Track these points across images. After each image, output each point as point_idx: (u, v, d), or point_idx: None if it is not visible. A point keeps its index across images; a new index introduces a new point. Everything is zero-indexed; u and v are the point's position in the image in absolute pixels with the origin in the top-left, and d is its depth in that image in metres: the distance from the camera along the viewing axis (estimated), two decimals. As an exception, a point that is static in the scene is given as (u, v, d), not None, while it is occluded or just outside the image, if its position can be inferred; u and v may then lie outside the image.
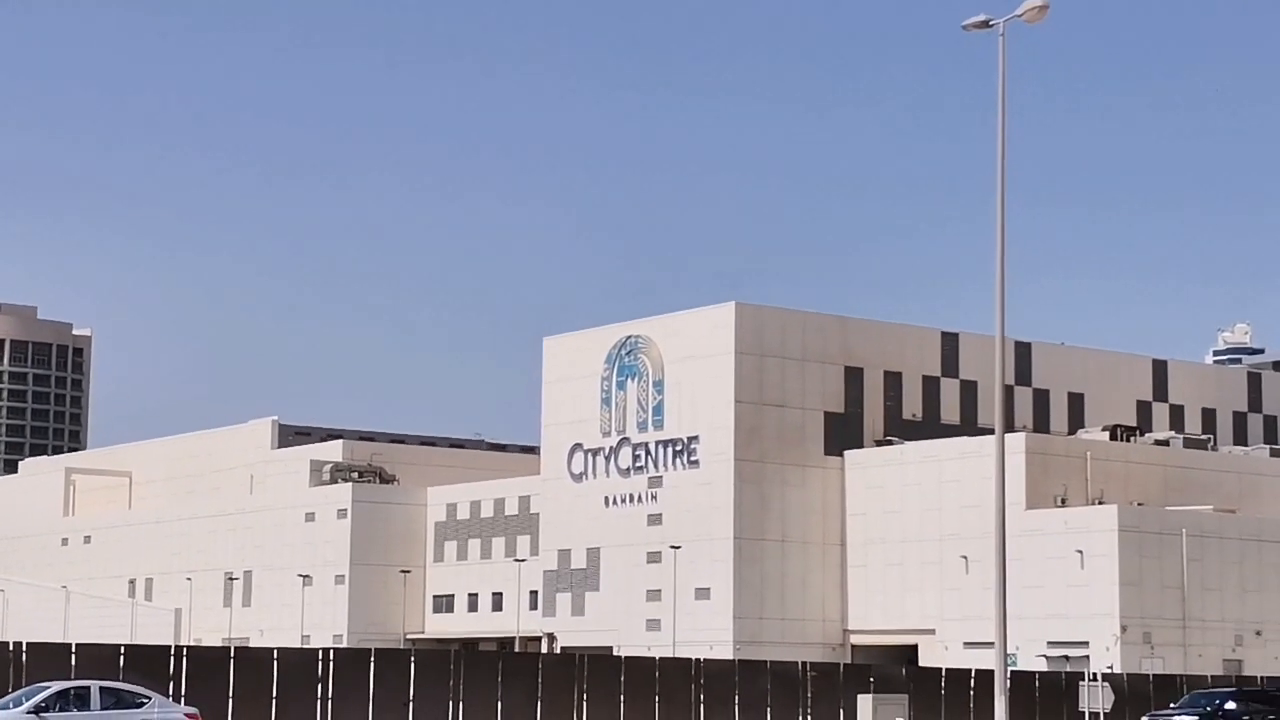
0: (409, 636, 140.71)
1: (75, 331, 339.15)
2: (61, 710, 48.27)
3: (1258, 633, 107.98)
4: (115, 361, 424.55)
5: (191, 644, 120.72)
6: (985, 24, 53.48)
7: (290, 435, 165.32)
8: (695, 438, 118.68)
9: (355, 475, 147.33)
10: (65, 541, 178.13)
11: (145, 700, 49.78)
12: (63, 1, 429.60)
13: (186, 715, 50.96)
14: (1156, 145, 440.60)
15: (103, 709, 48.68)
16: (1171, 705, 74.25)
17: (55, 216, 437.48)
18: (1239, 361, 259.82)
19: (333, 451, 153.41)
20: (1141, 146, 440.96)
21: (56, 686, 49.60)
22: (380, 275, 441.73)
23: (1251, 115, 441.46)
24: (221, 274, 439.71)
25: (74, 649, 59.42)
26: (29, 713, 47.90)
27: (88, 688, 49.59)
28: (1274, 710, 69.68)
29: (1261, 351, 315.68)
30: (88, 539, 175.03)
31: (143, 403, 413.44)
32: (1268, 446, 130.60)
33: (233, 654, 63.18)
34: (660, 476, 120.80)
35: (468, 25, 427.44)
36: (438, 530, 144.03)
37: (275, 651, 63.73)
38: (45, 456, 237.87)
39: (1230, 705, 69.64)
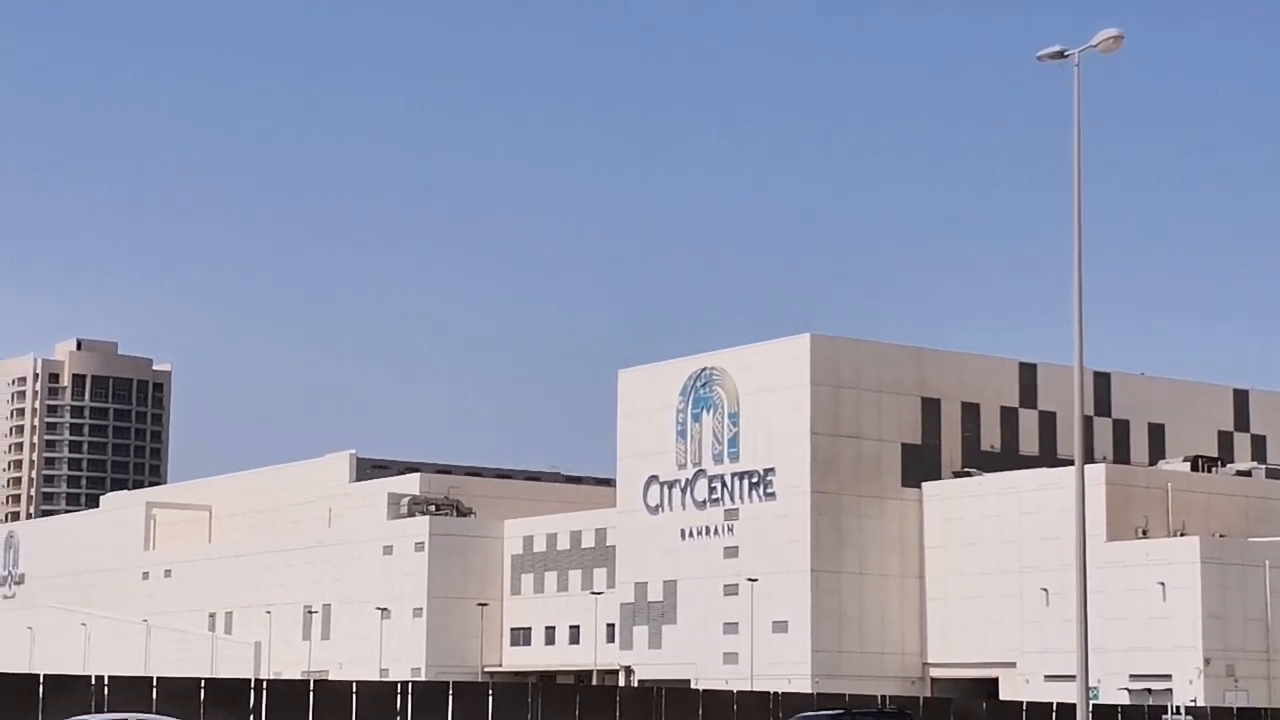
0: (486, 669, 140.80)
1: (155, 367, 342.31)
2: None
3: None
4: (195, 396, 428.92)
5: (271, 677, 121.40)
6: (1060, 55, 53.27)
7: (368, 468, 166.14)
8: (771, 470, 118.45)
9: (432, 508, 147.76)
10: (146, 575, 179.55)
11: None
12: (145, 60, 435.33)
13: None
14: (1236, 174, 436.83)
15: None
16: None
17: (135, 254, 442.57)
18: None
19: (410, 485, 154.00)
20: (1221, 175, 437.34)
21: (97, 719, 50.50)
22: (457, 309, 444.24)
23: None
24: (299, 309, 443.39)
25: (155, 682, 59.93)
26: None
27: (125, 718, 50.40)
28: None
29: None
30: (168, 573, 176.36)
31: (222, 437, 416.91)
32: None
33: (312, 687, 63.54)
34: (736, 509, 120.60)
35: (540, 62, 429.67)
36: (514, 563, 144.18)
37: (354, 684, 64.07)
38: (126, 491, 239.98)
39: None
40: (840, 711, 62.12)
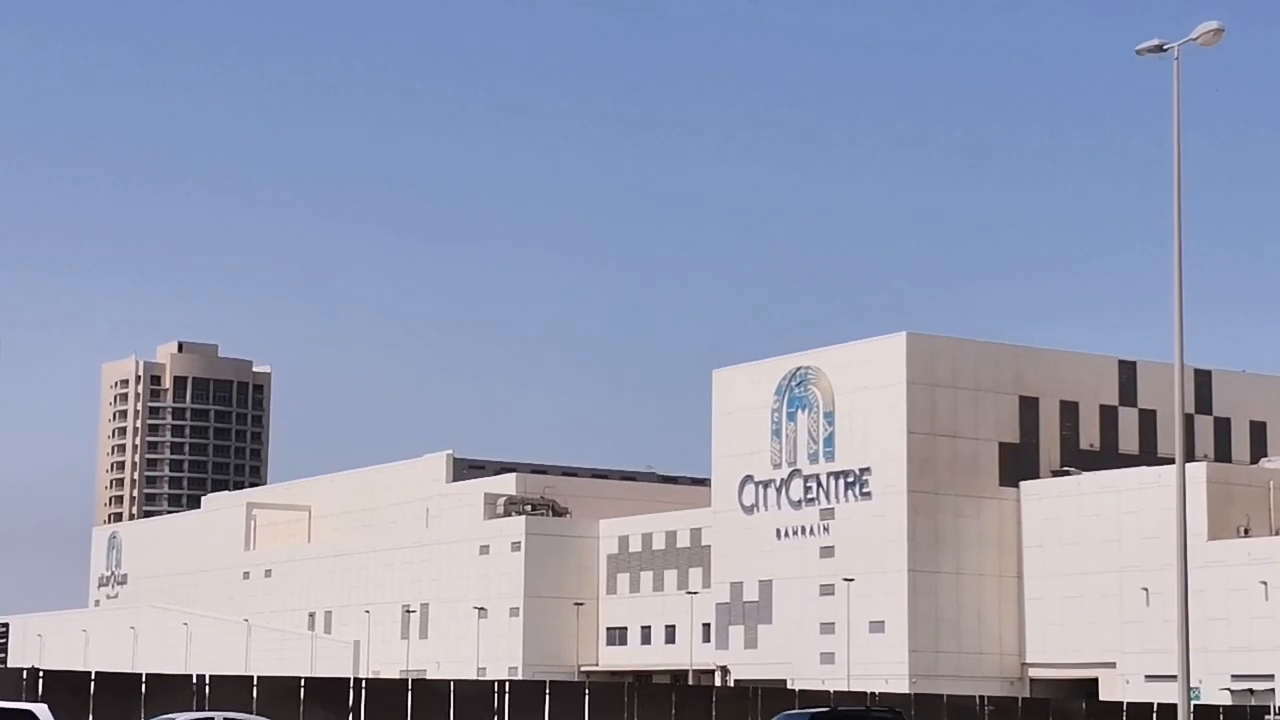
0: (583, 668, 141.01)
1: (255, 369, 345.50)
2: None
3: None
4: (294, 398, 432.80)
5: (370, 676, 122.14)
6: (1160, 48, 52.65)
7: (465, 469, 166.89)
8: (867, 469, 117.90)
9: (528, 508, 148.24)
10: (246, 575, 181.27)
11: None
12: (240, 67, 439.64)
13: None
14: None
15: None
16: None
17: (236, 256, 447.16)
18: None
19: (506, 485, 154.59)
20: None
21: (183, 717, 50.43)
22: (552, 309, 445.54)
23: None
24: (397, 310, 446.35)
25: (255, 681, 60.44)
26: None
27: (212, 718, 50.60)
28: None
29: None
30: (268, 573, 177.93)
31: (321, 438, 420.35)
32: None
33: (410, 686, 63.85)
34: (832, 508, 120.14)
35: (615, 61, 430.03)
36: (610, 562, 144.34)
37: (451, 683, 64.37)
38: (227, 492, 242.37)
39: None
40: (825, 710, 61.38)
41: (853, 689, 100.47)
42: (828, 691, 79.09)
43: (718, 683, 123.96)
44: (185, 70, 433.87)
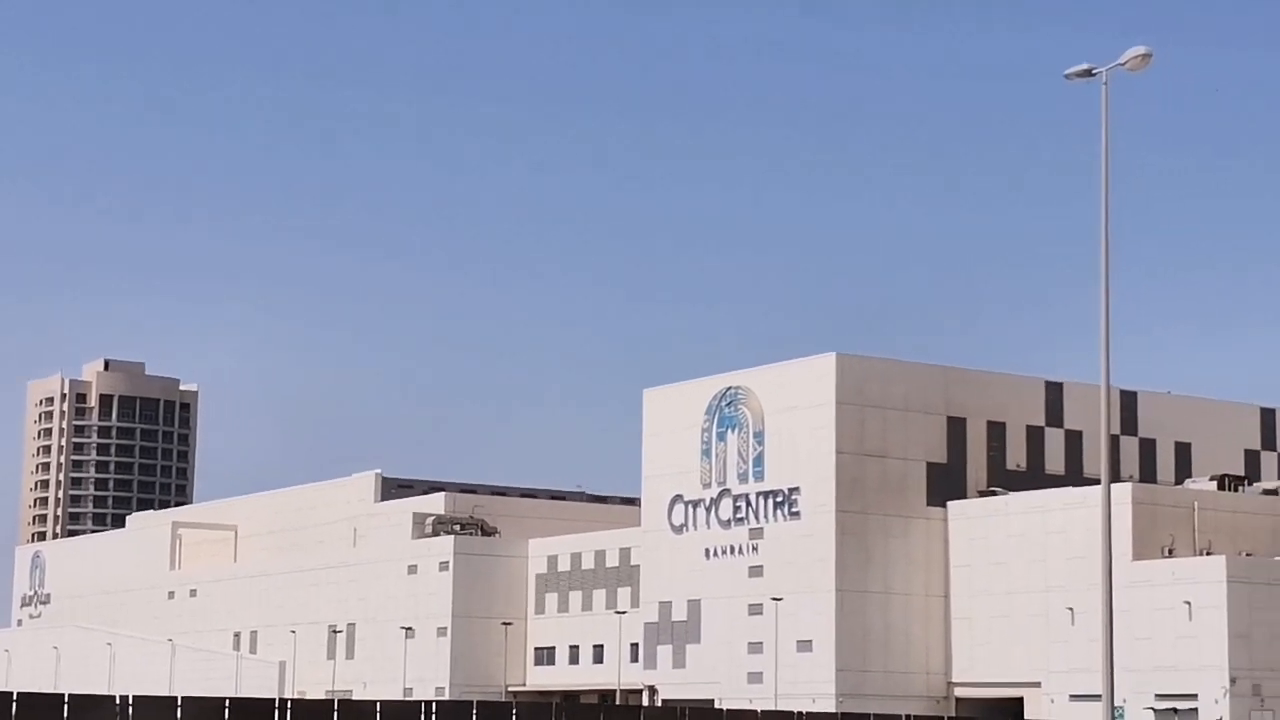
0: (510, 688, 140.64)
1: (182, 387, 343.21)
2: None
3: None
4: (221, 416, 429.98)
5: (295, 697, 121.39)
6: (1088, 73, 53.22)
7: (393, 488, 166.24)
8: (796, 489, 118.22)
9: (457, 528, 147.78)
10: (171, 595, 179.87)
11: None
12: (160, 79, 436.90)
13: None
14: (1263, 190, 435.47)
15: None
16: None
17: (162, 275, 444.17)
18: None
19: (435, 504, 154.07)
20: (1247, 192, 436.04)
21: None
22: (482, 328, 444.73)
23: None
24: (324, 329, 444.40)
25: (180, 702, 59.89)
26: None
27: None
28: None
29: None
30: (193, 592, 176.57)
31: (248, 457, 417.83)
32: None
33: (336, 706, 63.46)
34: (761, 528, 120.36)
35: (562, 77, 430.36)
36: (539, 582, 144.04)
37: (378, 704, 63.96)
38: (152, 511, 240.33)
39: None
40: None
41: (780, 708, 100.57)
42: (755, 711, 79.18)
43: (645, 702, 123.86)
44: (108, 86, 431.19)
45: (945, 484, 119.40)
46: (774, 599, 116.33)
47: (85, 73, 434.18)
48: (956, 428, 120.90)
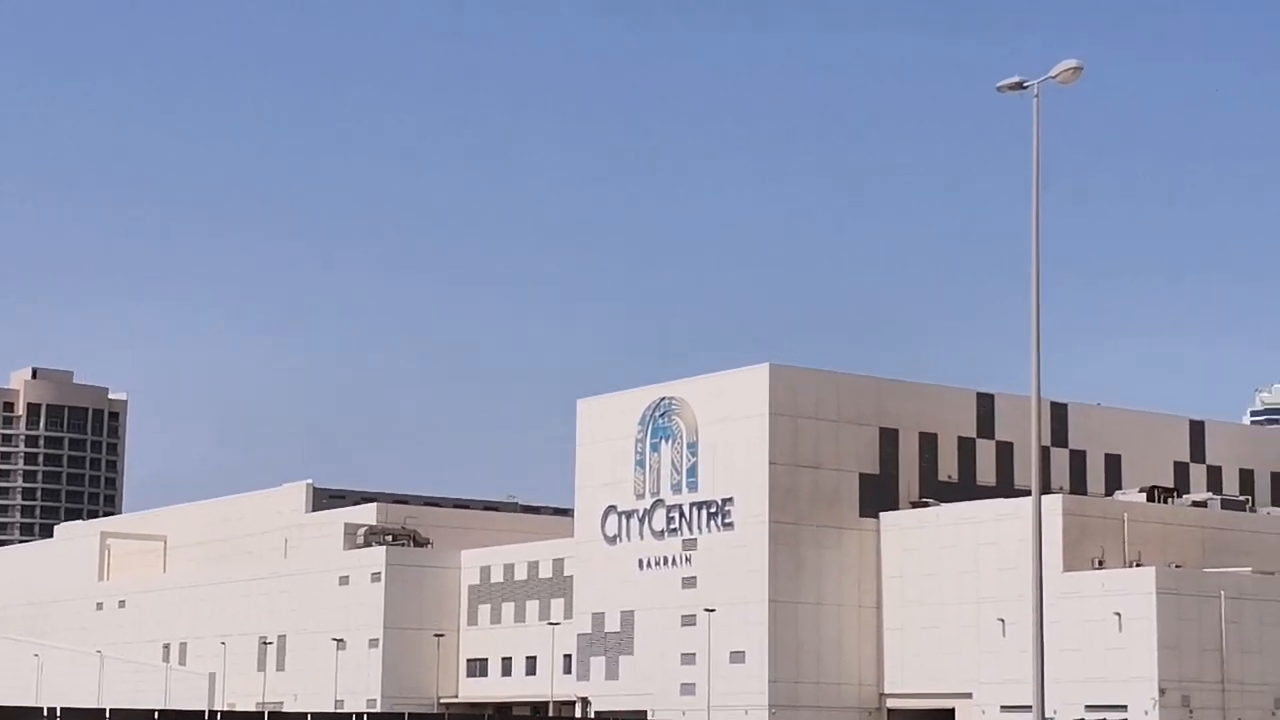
0: (442, 700, 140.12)
1: (111, 396, 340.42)
2: None
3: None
4: (150, 425, 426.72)
5: (225, 709, 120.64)
6: (1020, 85, 53.50)
7: (324, 499, 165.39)
8: (729, 500, 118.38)
9: (389, 539, 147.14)
10: (100, 606, 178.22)
11: None
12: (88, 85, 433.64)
13: None
14: (1193, 206, 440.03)
15: None
16: None
17: (91, 283, 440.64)
18: (1276, 422, 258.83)
19: (366, 515, 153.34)
20: (1178, 207, 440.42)
21: None
22: (414, 338, 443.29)
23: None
24: (256, 339, 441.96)
25: (108, 714, 59.44)
26: None
27: None
28: None
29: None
30: (122, 603, 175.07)
31: (178, 467, 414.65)
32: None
33: (266, 718, 63.08)
34: (694, 539, 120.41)
35: (515, 84, 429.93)
36: (471, 593, 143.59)
37: (309, 716, 63.63)
38: (80, 521, 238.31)
39: None
40: None
41: (715, 718, 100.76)
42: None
43: (578, 713, 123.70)
44: (33, 89, 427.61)
45: (877, 495, 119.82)
46: (707, 610, 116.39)
47: (6, 77, 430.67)
48: (889, 439, 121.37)
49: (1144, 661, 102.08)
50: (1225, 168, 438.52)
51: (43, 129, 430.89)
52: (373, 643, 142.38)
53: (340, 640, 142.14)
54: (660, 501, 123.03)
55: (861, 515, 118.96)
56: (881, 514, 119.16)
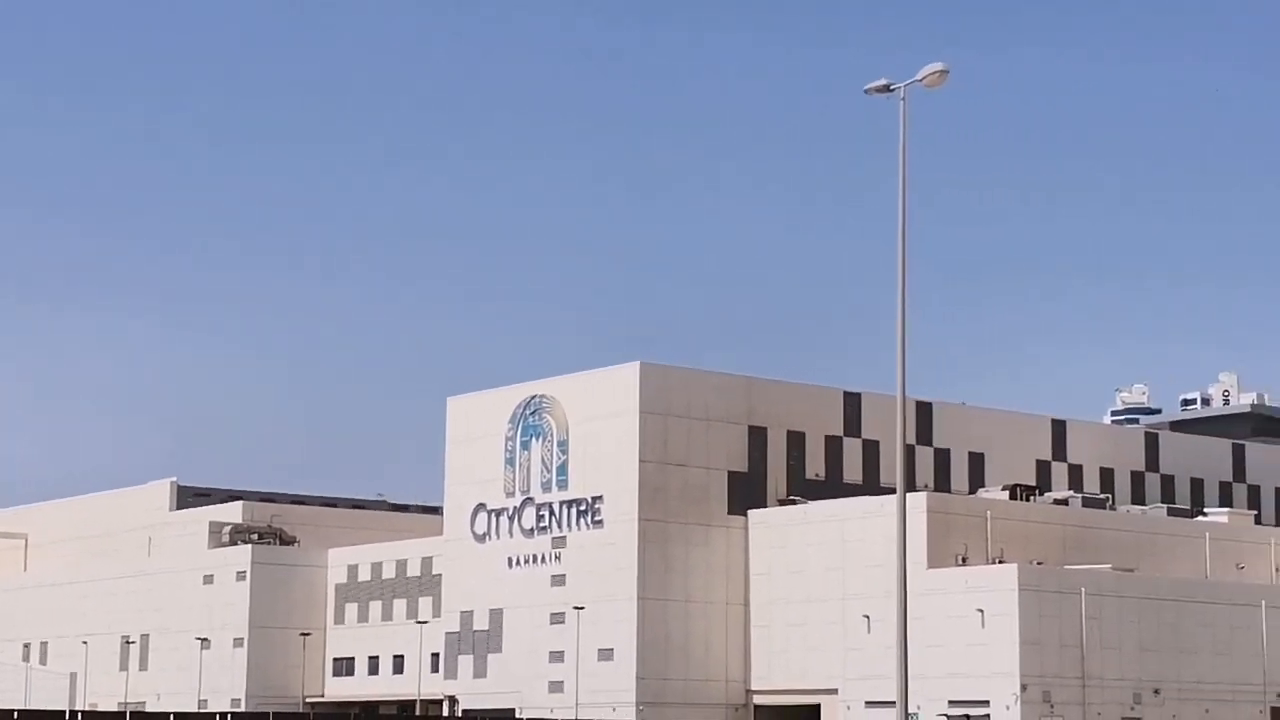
0: (308, 700, 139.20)
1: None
2: None
3: (1156, 691, 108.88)
4: (10, 421, 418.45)
5: (87, 709, 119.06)
6: (887, 88, 54.19)
7: (189, 497, 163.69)
8: (599, 498, 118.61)
9: (255, 537, 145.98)
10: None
11: None
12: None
13: None
14: (1059, 208, 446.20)
15: None
16: None
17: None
18: (1136, 421, 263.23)
19: (232, 513, 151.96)
20: (1044, 209, 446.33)
21: None
22: (281, 333, 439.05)
23: (1146, 179, 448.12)
24: (119, 333, 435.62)
25: (-34, 714, 58.44)
26: None
27: None
28: None
29: (1158, 411, 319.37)
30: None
31: (38, 463, 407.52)
32: (1165, 506, 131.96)
33: (129, 718, 62.43)
34: (564, 537, 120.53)
35: (382, 78, 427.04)
36: (338, 592, 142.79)
37: (172, 716, 63.05)
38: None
39: None
40: None
41: (582, 717, 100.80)
42: (557, 720, 79.36)
43: (446, 712, 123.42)
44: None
45: (746, 493, 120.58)
46: (576, 608, 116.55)
47: None
48: (757, 437, 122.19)
49: (1006, 657, 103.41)
50: (1094, 169, 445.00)
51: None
52: (237, 642, 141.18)
53: (204, 639, 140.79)
54: (530, 499, 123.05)
55: (730, 513, 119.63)
56: (750, 512, 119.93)
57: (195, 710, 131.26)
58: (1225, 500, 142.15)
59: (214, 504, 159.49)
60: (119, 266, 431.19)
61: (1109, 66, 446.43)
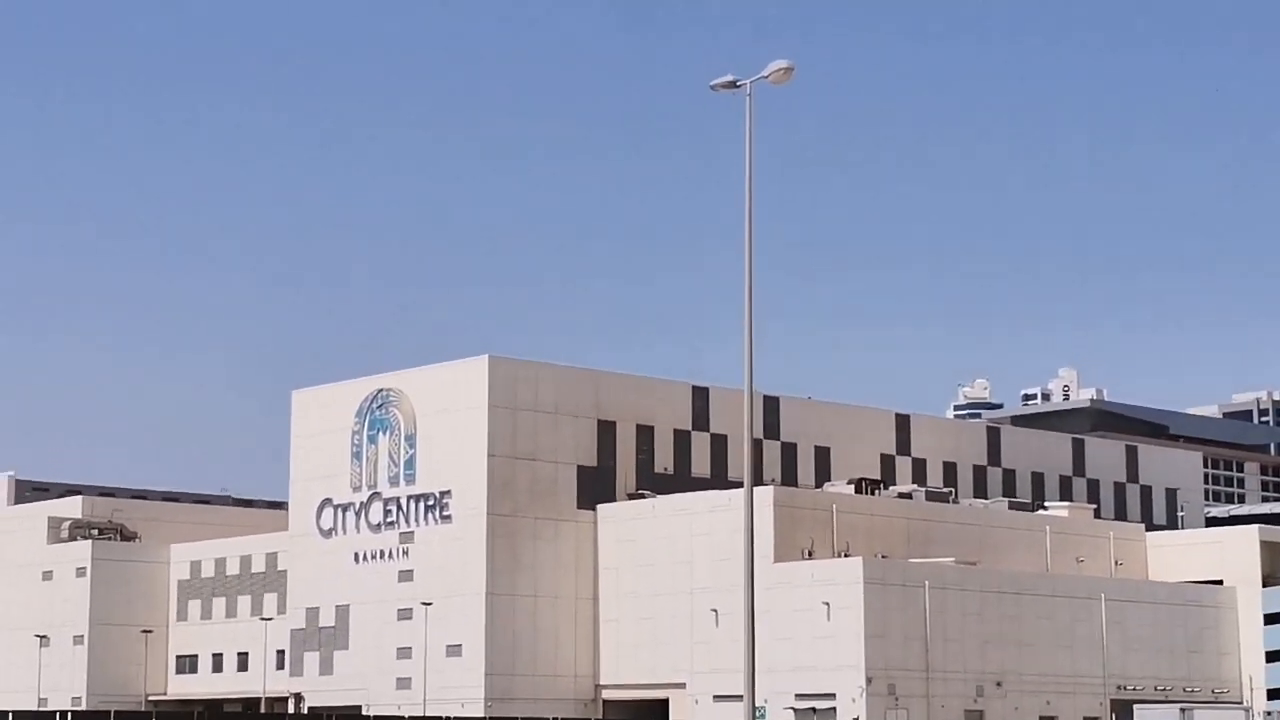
0: (151, 698, 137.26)
1: None
2: None
3: (998, 684, 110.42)
4: None
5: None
6: (733, 84, 54.24)
7: (27, 491, 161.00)
8: (448, 492, 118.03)
9: (95, 532, 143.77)
10: None
11: None
12: None
13: None
14: (898, 203, 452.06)
15: None
16: None
17: None
18: (979, 416, 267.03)
19: (72, 508, 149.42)
20: (885, 204, 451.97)
21: None
22: (124, 325, 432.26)
23: (986, 175, 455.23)
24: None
25: None
26: None
27: None
28: None
29: (1000, 406, 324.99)
30: None
31: None
32: (1006, 500, 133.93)
33: (-37, 719, 61.06)
34: (412, 532, 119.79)
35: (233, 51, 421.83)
36: (181, 588, 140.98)
37: (10, 715, 61.73)
38: None
39: None
40: None
41: (429, 714, 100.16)
42: (403, 718, 78.81)
43: (291, 710, 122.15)
44: None
45: (595, 487, 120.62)
46: (424, 604, 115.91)
47: None
48: (606, 431, 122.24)
49: (851, 650, 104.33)
50: (936, 164, 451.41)
51: None
52: (78, 639, 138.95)
53: (44, 637, 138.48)
54: (377, 494, 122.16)
55: (579, 507, 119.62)
56: (599, 506, 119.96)
57: (34, 709, 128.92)
58: (1065, 494, 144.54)
59: (53, 498, 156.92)
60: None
61: (952, 59, 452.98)
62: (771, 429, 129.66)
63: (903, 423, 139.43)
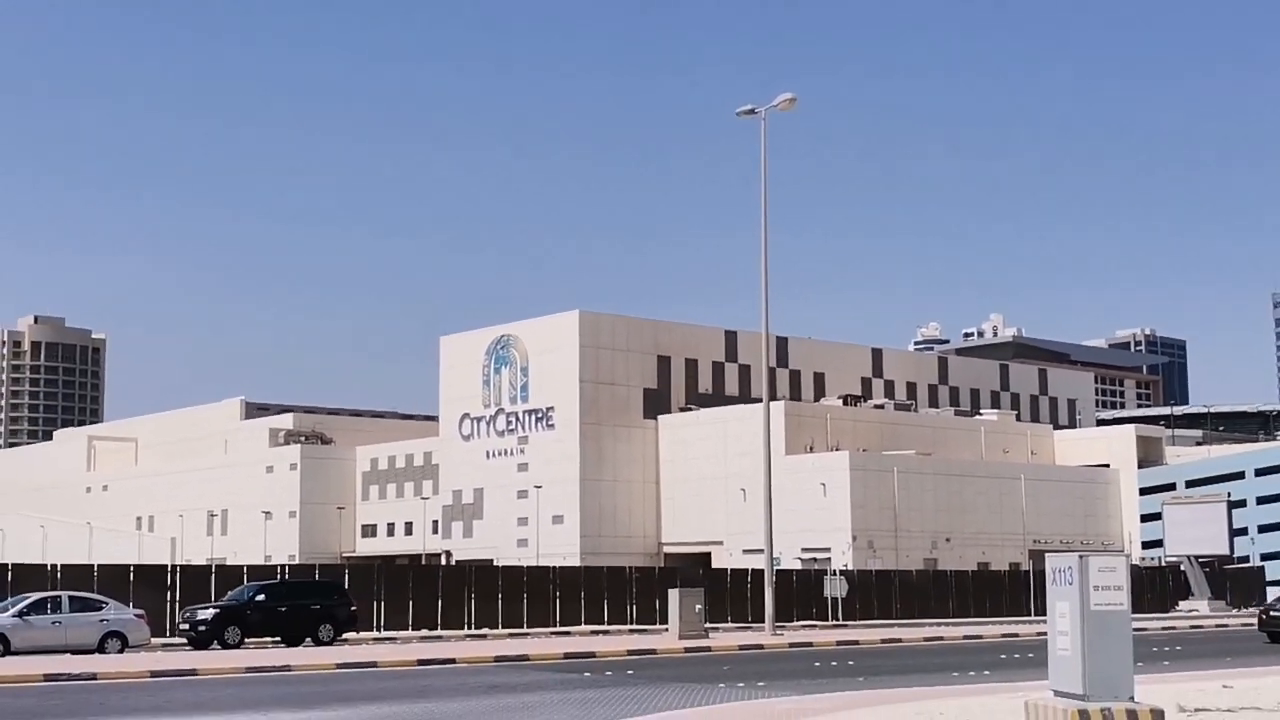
0: (344, 555, 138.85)
1: (94, 335, 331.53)
2: (39, 613, 44.66)
3: (947, 539, 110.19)
4: (125, 355, 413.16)
5: (183, 564, 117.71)
6: (752, 111, 53.99)
7: (254, 409, 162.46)
8: (551, 408, 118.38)
9: (302, 439, 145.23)
10: (89, 490, 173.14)
11: (104, 605, 46.35)
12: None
13: (136, 615, 47.05)
14: (879, 197, 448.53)
15: (71, 611, 45.14)
16: None
17: (79, 243, 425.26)
18: (931, 349, 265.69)
19: (286, 421, 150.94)
20: (870, 198, 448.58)
21: (35, 596, 45.73)
22: (328, 287, 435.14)
23: (943, 174, 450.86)
24: (204, 287, 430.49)
25: (96, 569, 57.86)
26: (15, 615, 44.31)
27: (59, 596, 45.73)
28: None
29: (947, 342, 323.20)
30: (105, 488, 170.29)
31: (145, 385, 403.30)
32: (952, 409, 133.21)
33: (214, 569, 61.94)
34: (527, 436, 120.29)
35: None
36: (364, 477, 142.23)
37: (245, 568, 62.62)
38: (72, 427, 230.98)
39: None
40: (275, 581, 54.58)
41: (541, 564, 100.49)
42: (522, 566, 79.50)
43: (443, 563, 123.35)
44: (29, 61, 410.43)
45: (656, 404, 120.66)
46: (536, 487, 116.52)
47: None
48: (663, 363, 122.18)
49: (841, 517, 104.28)
50: (904, 161, 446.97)
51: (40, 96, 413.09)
52: (292, 514, 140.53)
53: (268, 513, 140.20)
54: (501, 410, 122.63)
55: (645, 418, 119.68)
56: (659, 417, 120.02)
57: (262, 563, 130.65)
58: (995, 405, 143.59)
59: (273, 415, 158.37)
60: (198, 231, 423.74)
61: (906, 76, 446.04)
62: (782, 360, 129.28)
63: (877, 355, 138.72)
